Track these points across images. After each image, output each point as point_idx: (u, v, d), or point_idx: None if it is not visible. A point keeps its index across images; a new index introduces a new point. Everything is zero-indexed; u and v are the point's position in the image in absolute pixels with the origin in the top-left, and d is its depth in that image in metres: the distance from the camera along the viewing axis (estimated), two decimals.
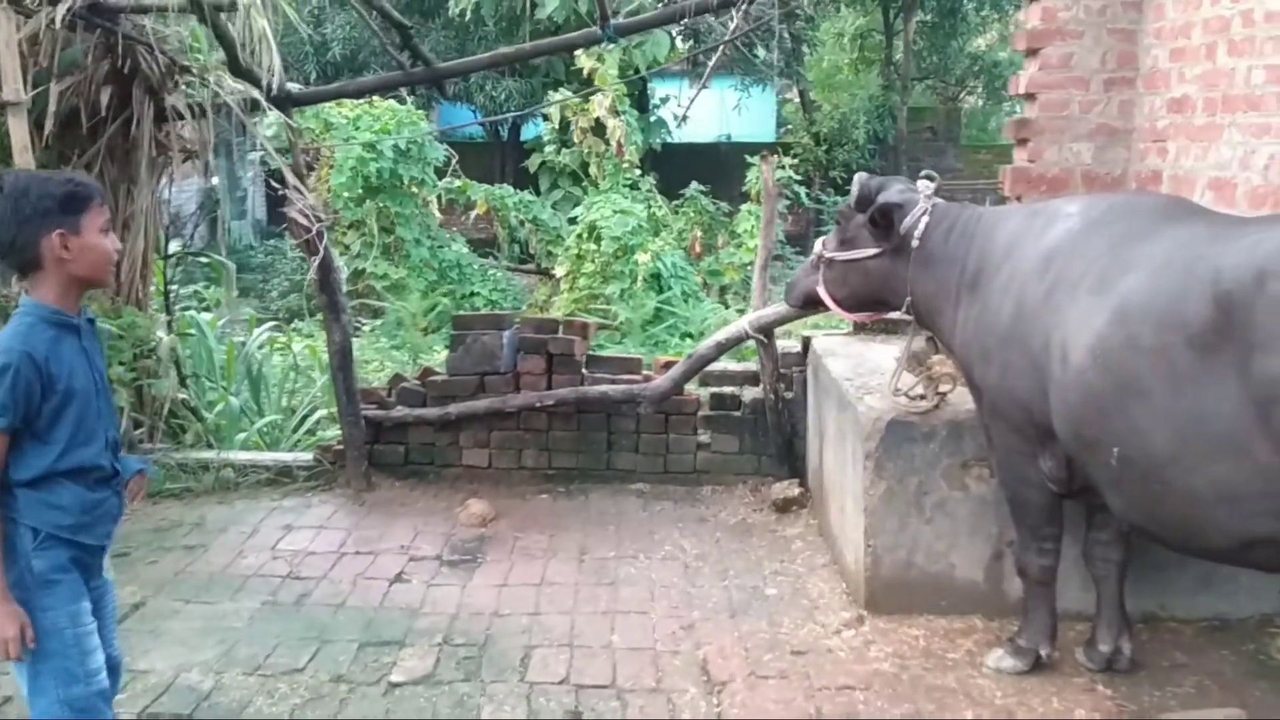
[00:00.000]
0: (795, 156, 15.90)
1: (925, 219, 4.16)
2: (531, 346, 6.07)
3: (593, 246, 12.76)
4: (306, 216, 5.72)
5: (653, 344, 10.63)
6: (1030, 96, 5.60)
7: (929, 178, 4.30)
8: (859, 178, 4.35)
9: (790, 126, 23.71)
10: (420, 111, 13.99)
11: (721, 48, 9.22)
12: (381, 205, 12.97)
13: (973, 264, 4.02)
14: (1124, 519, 3.68)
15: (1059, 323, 3.56)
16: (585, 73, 13.71)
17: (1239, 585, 4.45)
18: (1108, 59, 5.51)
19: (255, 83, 5.70)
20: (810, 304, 4.76)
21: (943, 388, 4.45)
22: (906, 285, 4.21)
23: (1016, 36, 5.77)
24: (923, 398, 4.47)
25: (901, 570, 4.50)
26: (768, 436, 6.00)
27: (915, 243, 4.16)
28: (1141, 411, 3.22)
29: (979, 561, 4.50)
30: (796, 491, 5.76)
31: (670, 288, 12.07)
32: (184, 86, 6.15)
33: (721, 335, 5.76)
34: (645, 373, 6.17)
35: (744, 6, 5.40)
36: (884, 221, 4.20)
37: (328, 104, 12.39)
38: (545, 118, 14.83)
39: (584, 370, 6.08)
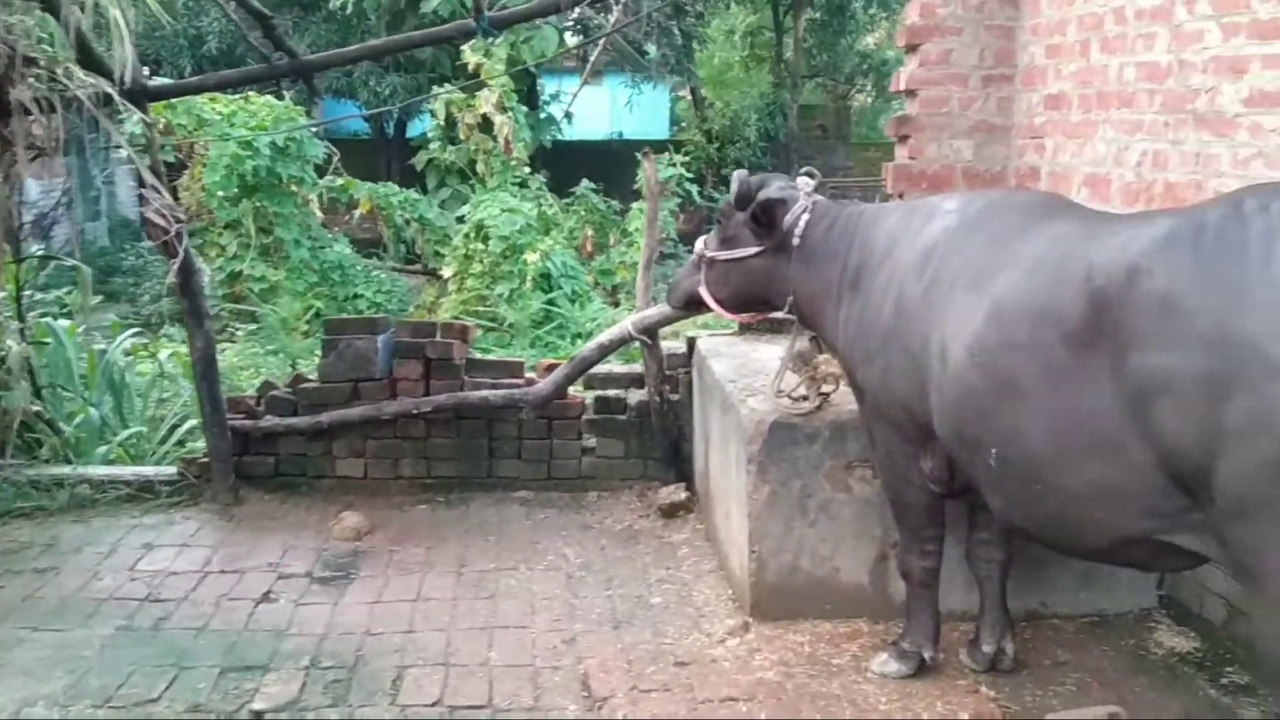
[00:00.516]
0: (687, 154, 15.81)
1: (806, 216, 4.08)
2: (408, 351, 5.85)
3: (480, 246, 12.50)
4: (165, 217, 5.40)
5: (542, 346, 10.44)
6: (911, 93, 5.58)
7: (809, 174, 4.22)
8: (738, 175, 4.25)
9: (684, 124, 23.72)
10: (299, 107, 13.54)
11: (603, 42, 9.04)
12: (259, 204, 12.51)
13: (854, 262, 3.95)
14: (1004, 520, 3.64)
15: (938, 322, 3.49)
16: (471, 68, 13.45)
17: (1119, 581, 4.46)
18: (986, 55, 5.52)
19: (108, 75, 5.36)
20: (692, 305, 4.66)
21: (825, 388, 4.37)
22: (788, 284, 4.12)
23: (898, 33, 5.74)
24: (805, 399, 4.39)
25: (786, 575, 4.41)
26: (654, 440, 5.87)
27: (796, 241, 4.07)
28: (1018, 411, 3.17)
29: (864, 563, 4.43)
30: (683, 496, 5.64)
31: (561, 287, 11.89)
32: (31, 80, 5.75)
33: (604, 337, 5.62)
34: (528, 376, 5.99)
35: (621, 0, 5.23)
36: (765, 219, 4.10)
37: (200, 99, 11.91)
38: (431, 114, 14.50)
39: (464, 375, 5.87)
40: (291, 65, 5.65)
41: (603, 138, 22.61)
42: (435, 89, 14.67)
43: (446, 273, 12.99)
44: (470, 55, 13.85)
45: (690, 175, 14.19)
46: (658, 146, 15.68)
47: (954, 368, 3.38)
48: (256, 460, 5.94)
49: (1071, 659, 4.20)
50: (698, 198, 14.06)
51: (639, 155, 14.14)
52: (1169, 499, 2.88)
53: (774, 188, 4.19)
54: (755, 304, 4.39)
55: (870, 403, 3.91)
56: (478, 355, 6.51)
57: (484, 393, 5.71)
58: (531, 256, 11.97)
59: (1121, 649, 4.28)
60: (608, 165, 17.87)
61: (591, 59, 10.76)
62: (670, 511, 5.60)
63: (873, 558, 4.42)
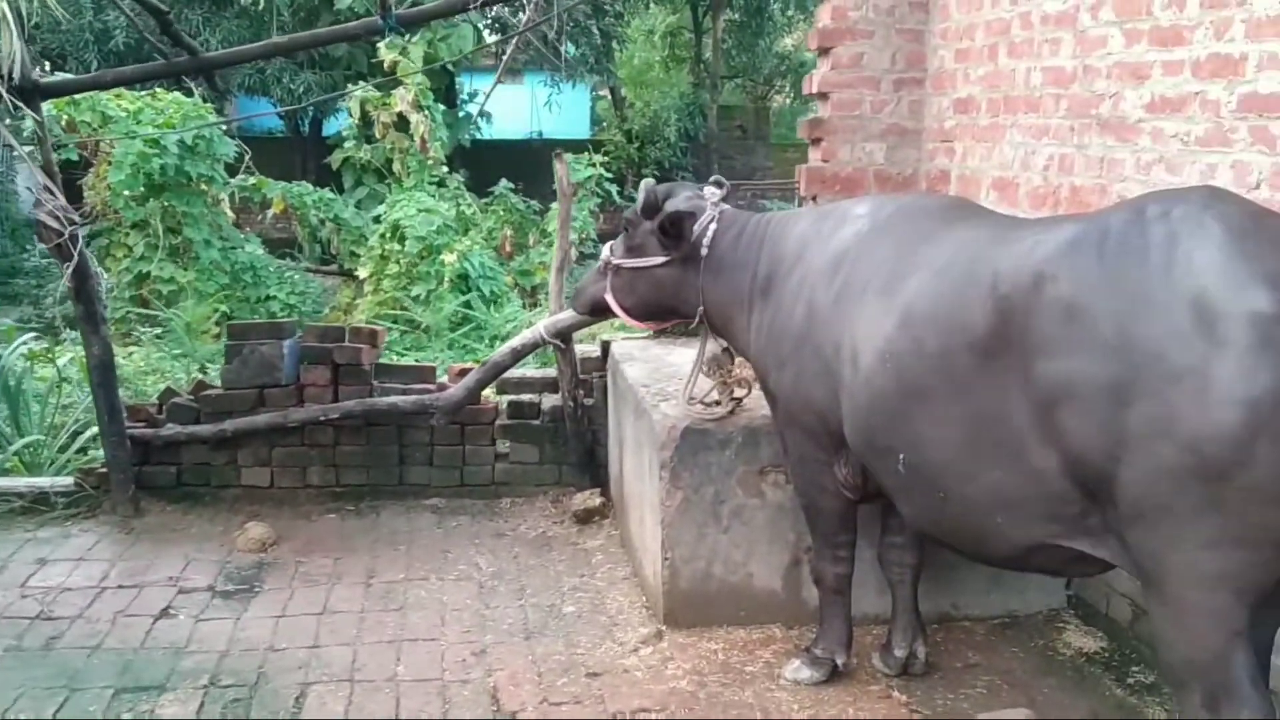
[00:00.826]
0: (607, 154, 15.74)
1: (713, 226, 4.04)
2: (315, 356, 5.70)
3: (397, 247, 12.29)
4: (58, 219, 5.19)
5: (460, 349, 10.29)
6: (823, 96, 5.58)
7: (717, 184, 4.17)
8: (644, 185, 4.22)
9: (605, 124, 23.65)
10: (209, 105, 13.19)
11: (515, 41, 8.93)
12: (166, 204, 12.15)
13: (764, 270, 3.92)
14: (914, 526, 3.64)
15: (849, 327, 3.48)
16: (386, 65, 13.24)
17: (1029, 582, 4.50)
18: (897, 59, 5.55)
19: None
20: (598, 311, 4.58)
21: (738, 393, 4.34)
22: (698, 294, 4.07)
23: (810, 35, 5.73)
24: (718, 403, 4.35)
25: (700, 582, 4.37)
26: (568, 445, 5.80)
27: (705, 250, 4.02)
28: (926, 418, 3.16)
29: (777, 569, 4.41)
30: (598, 501, 5.58)
31: (479, 289, 11.74)
32: None
33: (517, 341, 5.53)
34: (440, 381, 5.87)
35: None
36: (673, 230, 4.03)
37: (106, 96, 11.54)
38: (347, 112, 14.24)
39: (373, 380, 5.74)
40: (191, 62, 5.47)
41: (522, 137, 22.46)
42: (350, 86, 14.39)
43: (362, 273, 12.75)
44: (386, 53, 13.65)
45: (610, 175, 14.12)
46: (577, 146, 15.64)
47: (864, 373, 3.37)
48: (158, 470, 5.74)
49: (982, 661, 4.23)
50: (617, 198, 13.98)
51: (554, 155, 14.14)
52: (1071, 505, 2.89)
53: (681, 199, 4.14)
54: (663, 313, 4.31)
55: (783, 409, 3.88)
56: (389, 360, 6.37)
57: (393, 399, 5.59)
58: (449, 257, 11.80)
59: (1031, 650, 4.31)
60: (527, 165, 17.74)
61: (505, 57, 10.63)
62: (585, 518, 5.53)
63: (786, 563, 4.40)
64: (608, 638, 4.39)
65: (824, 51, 5.52)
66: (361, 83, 13.97)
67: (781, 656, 4.19)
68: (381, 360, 6.04)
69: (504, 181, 14.08)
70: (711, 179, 4.21)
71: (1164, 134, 3.96)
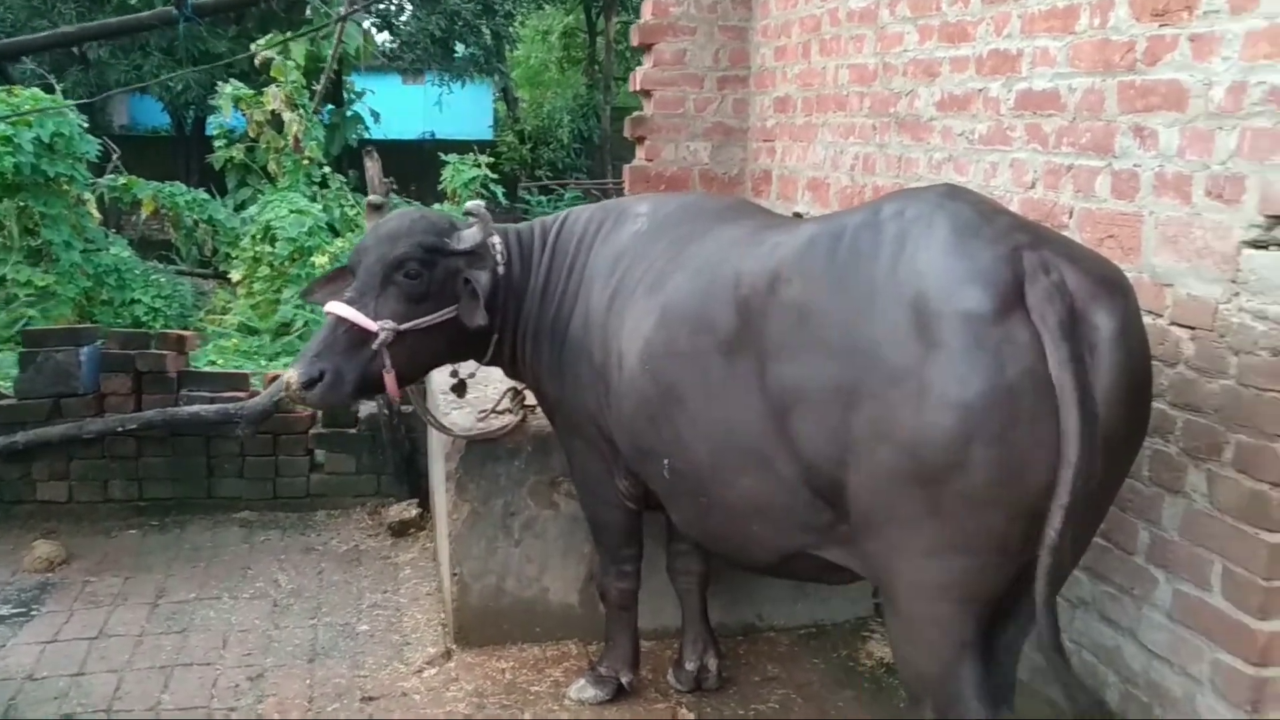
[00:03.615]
0: (498, 155, 15.50)
1: (500, 245, 3.58)
2: (116, 363, 5.40)
3: (269, 248, 11.94)
4: None
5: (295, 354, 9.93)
6: (646, 93, 5.45)
7: (472, 213, 3.53)
8: (411, 229, 3.43)
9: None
10: (69, 102, 12.68)
11: (341, 25, 8.64)
12: (23, 204, 11.64)
13: (543, 274, 3.69)
14: (684, 533, 3.50)
15: (618, 329, 3.32)
16: (257, 62, 12.86)
17: (834, 590, 4.38)
18: (721, 56, 5.43)
19: None
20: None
21: (529, 400, 4.15)
22: (492, 325, 3.58)
23: (632, 31, 5.58)
24: (508, 411, 4.17)
25: (491, 598, 4.19)
26: (386, 454, 5.57)
27: (501, 272, 3.58)
28: (683, 421, 3.03)
29: (572, 583, 4.24)
30: (414, 513, 5.37)
31: None
32: None
33: None
34: (254, 389, 5.61)
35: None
36: (485, 259, 3.49)
37: None
38: (217, 109, 13.81)
39: (180, 389, 5.46)
40: None
41: (415, 137, 22.09)
42: (225, 85, 13.97)
43: (235, 276, 12.37)
44: (262, 50, 13.26)
45: (496, 177, 13.88)
46: (465, 147, 15.37)
47: (628, 375, 3.22)
48: None
49: (781, 674, 4.10)
50: (504, 200, 13.75)
51: (448, 156, 13.84)
52: (817, 513, 2.77)
53: (472, 232, 3.48)
54: (444, 362, 3.74)
55: (563, 419, 3.70)
56: (203, 367, 6.09)
57: (197, 408, 5.32)
58: (321, 259, 11.48)
59: (832, 661, 4.20)
60: (420, 165, 17.44)
61: (334, 53, 10.35)
62: (401, 530, 5.32)
63: (582, 576, 4.23)
64: (396, 658, 4.18)
65: (647, 48, 5.38)
66: (233, 81, 13.53)
67: (573, 674, 4.02)
68: (192, 367, 5.75)
69: (390, 182, 13.74)
70: (469, 204, 3.59)
71: (952, 132, 3.88)
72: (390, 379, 3.36)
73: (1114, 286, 2.49)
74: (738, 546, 3.11)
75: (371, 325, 3.30)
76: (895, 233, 2.57)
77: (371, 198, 3.75)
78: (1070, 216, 3.27)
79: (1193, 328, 2.85)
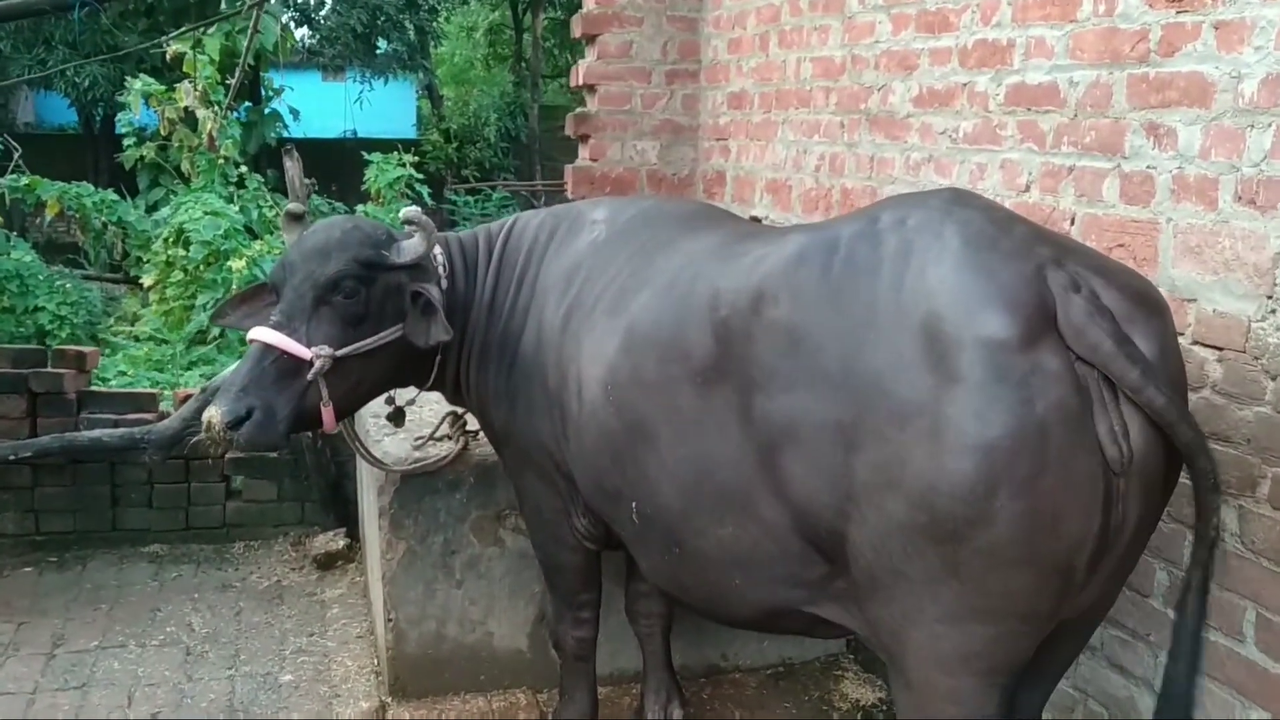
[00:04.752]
0: (423, 154, 14.99)
1: (442, 254, 3.18)
2: (8, 384, 4.89)
3: (182, 252, 11.35)
4: None
5: (213, 365, 9.40)
6: (590, 89, 5.08)
7: (411, 220, 3.05)
8: (344, 241, 2.99)
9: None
10: None
11: (256, 10, 8.14)
12: None
13: (489, 286, 3.29)
14: (653, 583, 3.13)
15: (576, 352, 2.94)
16: (168, 57, 12.25)
17: None
18: (670, 49, 5.08)
19: None
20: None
21: (471, 426, 3.75)
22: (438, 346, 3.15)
23: (574, 21, 5.20)
24: (448, 438, 3.77)
25: (431, 645, 3.79)
26: (311, 480, 5.13)
27: (444, 285, 3.17)
28: (651, 460, 2.65)
29: (521, 626, 3.86)
30: (342, 544, 4.94)
31: None
32: None
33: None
34: (164, 410, 5.13)
35: None
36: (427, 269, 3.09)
37: None
38: (125, 107, 13.16)
39: (80, 411, 4.96)
40: None
41: (337, 136, 21.44)
42: (134, 80, 13.31)
43: (147, 281, 11.74)
44: (174, 45, 12.63)
45: (421, 177, 13.38)
46: (390, 146, 14.85)
47: (588, 406, 2.84)
48: None
49: None
50: (429, 200, 13.26)
51: (371, 156, 13.32)
52: (810, 567, 2.42)
53: (414, 242, 3.04)
54: (385, 389, 3.31)
55: (512, 450, 3.30)
56: (112, 379, 5.60)
57: (98, 433, 4.82)
58: (237, 263, 10.90)
59: (804, 704, 3.88)
60: (342, 165, 16.88)
61: (248, 43, 9.84)
62: (327, 562, 4.89)
63: (531, 618, 3.86)
64: (324, 713, 3.78)
65: (590, 39, 5.01)
66: (143, 76, 12.92)
67: None
68: (96, 386, 5.26)
69: (311, 182, 13.19)
70: (403, 211, 3.08)
71: (933, 130, 3.57)
72: (328, 413, 2.94)
73: (1151, 305, 2.19)
74: (715, 601, 2.74)
75: (305, 353, 2.85)
76: (898, 245, 2.23)
77: (291, 206, 3.29)
78: (1072, 223, 2.97)
79: (1220, 348, 2.56)
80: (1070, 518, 2.05)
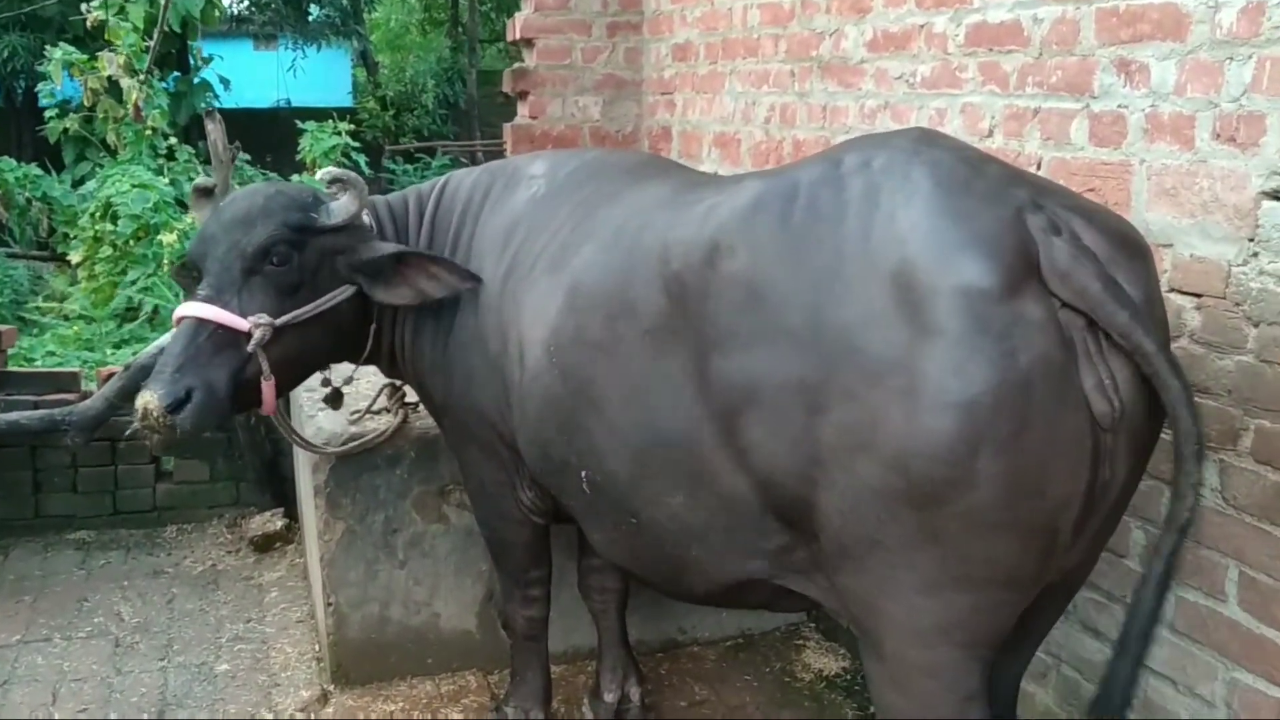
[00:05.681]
0: (359, 122, 14.61)
1: (370, 222, 2.96)
2: None
3: (110, 227, 10.95)
4: None
5: (137, 343, 9.08)
6: (528, 42, 4.85)
7: (344, 180, 2.84)
8: (269, 206, 2.79)
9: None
10: None
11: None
12: None
13: (423, 247, 3.10)
14: (606, 558, 2.96)
15: (516, 314, 2.75)
16: (89, 24, 11.76)
17: None
18: (610, 0, 4.85)
19: None
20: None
21: (410, 398, 3.55)
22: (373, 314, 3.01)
23: None
24: (386, 410, 3.57)
25: (374, 629, 3.61)
26: (245, 458, 4.89)
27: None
28: (600, 427, 2.48)
29: (468, 605, 3.69)
30: (280, 524, 4.72)
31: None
32: None
33: (168, 337, 4.55)
34: (87, 389, 4.85)
35: None
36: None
37: None
38: (46, 77, 12.66)
39: None
40: None
41: (270, 105, 20.85)
42: (54, 49, 12.80)
43: (74, 258, 11.33)
44: (94, 12, 12.14)
45: (358, 145, 13.03)
46: (324, 114, 14.46)
47: (532, 370, 2.66)
48: None
49: (710, 695, 3.64)
50: (366, 169, 12.92)
51: (305, 124, 12.95)
52: (771, 536, 2.27)
53: (346, 201, 2.82)
54: (325, 362, 3.16)
55: (452, 422, 3.11)
56: (39, 359, 5.31)
57: (16, 415, 4.52)
58: (168, 237, 10.52)
59: (766, 676, 3.75)
60: (275, 135, 16.42)
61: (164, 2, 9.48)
62: (264, 544, 4.67)
63: (479, 597, 3.69)
64: (263, 704, 3.58)
65: None
66: (62, 45, 12.43)
67: (475, 712, 3.50)
68: (17, 366, 4.98)
69: (240, 153, 12.79)
70: (323, 171, 2.91)
71: (888, 75, 3.41)
72: (269, 388, 2.75)
73: (1134, 248, 2.05)
74: (672, 575, 2.58)
75: (243, 324, 2.66)
76: (863, 189, 2.07)
77: (199, 181, 3.06)
78: (1039, 167, 2.82)
79: (1199, 295, 2.43)
80: (1056, 478, 1.92)
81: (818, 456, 2.03)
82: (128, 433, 4.51)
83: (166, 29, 13.82)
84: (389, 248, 2.86)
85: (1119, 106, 2.59)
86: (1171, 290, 2.49)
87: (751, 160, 4.11)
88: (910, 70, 3.29)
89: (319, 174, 2.88)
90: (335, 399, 3.28)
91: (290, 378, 2.93)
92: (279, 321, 2.71)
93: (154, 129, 12.20)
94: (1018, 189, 2.02)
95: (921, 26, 3.24)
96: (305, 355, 2.89)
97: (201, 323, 2.66)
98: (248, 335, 2.66)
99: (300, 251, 2.76)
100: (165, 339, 4.53)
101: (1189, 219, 2.44)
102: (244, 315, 2.67)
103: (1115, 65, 2.60)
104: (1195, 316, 2.45)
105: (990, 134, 3.00)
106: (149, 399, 2.55)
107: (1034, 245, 1.92)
